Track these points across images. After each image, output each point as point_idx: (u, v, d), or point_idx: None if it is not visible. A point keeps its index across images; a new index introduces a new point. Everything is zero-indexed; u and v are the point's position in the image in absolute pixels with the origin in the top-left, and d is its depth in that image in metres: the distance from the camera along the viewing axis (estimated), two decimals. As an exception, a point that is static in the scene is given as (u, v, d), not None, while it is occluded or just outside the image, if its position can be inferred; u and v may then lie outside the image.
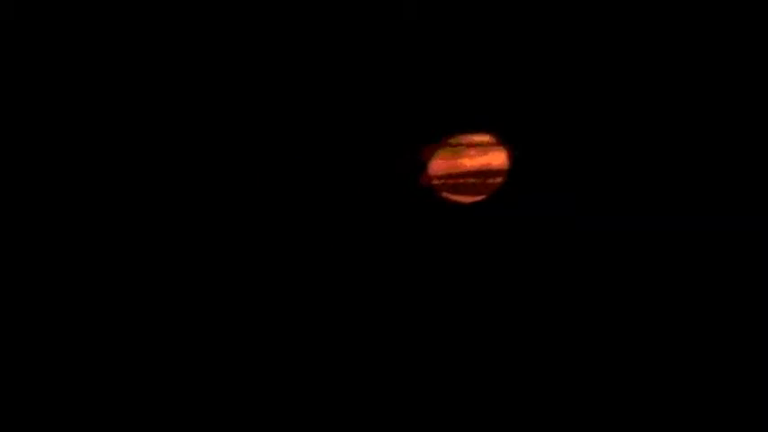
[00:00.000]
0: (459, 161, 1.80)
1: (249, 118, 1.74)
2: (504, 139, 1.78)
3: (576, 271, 1.79)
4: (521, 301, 1.78)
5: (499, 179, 1.79)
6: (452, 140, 1.79)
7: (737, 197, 1.78)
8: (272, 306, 1.75)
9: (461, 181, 1.80)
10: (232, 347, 1.74)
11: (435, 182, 1.79)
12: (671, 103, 1.79)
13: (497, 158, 1.78)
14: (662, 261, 1.78)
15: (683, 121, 1.79)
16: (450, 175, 1.79)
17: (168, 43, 1.73)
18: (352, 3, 1.73)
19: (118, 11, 1.72)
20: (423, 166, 1.77)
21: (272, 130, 1.75)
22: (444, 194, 1.79)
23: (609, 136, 1.79)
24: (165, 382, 1.73)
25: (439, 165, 1.78)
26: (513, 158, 1.78)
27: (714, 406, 1.75)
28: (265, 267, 1.75)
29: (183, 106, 1.73)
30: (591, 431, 1.76)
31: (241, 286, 1.74)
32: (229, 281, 1.74)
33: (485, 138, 1.79)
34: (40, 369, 1.72)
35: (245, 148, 1.74)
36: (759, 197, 1.78)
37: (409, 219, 1.79)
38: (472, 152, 1.79)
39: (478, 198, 1.79)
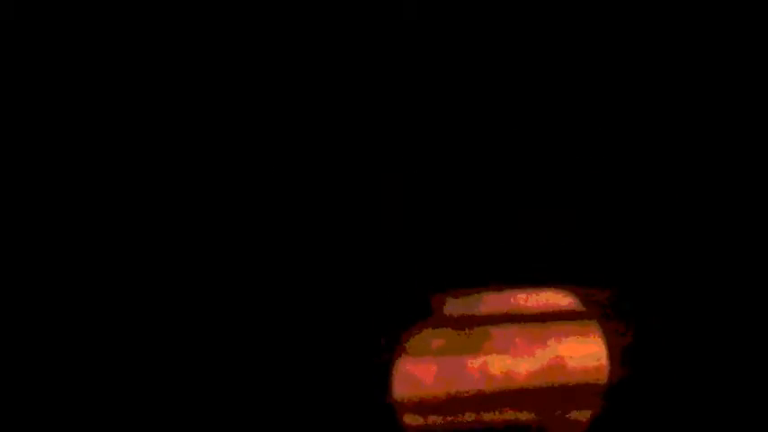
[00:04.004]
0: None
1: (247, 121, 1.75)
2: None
3: None
4: None
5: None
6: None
7: None
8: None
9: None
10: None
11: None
12: None
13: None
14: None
15: None
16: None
17: (167, 45, 1.73)
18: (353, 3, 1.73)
19: (118, 11, 1.72)
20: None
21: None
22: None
23: None
24: (165, 381, 1.73)
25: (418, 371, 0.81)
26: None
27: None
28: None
29: (181, 108, 1.74)
30: None
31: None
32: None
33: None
34: (40, 369, 1.72)
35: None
36: None
37: None
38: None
39: None
